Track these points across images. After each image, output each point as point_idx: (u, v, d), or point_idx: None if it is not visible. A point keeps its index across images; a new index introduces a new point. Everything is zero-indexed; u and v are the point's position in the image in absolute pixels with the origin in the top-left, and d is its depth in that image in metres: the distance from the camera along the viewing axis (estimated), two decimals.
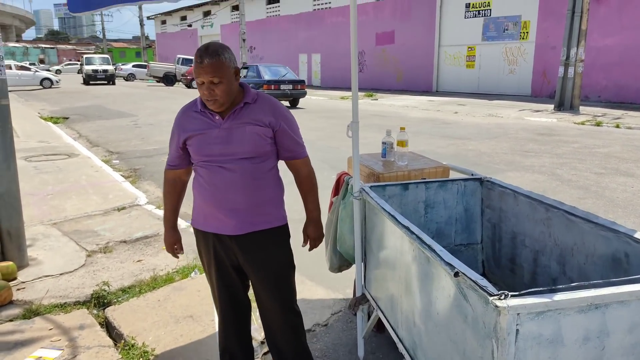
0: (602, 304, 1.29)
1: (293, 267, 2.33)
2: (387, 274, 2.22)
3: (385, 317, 2.31)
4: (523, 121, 13.55)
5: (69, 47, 77.61)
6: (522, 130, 11.56)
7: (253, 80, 18.72)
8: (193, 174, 2.27)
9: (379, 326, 2.98)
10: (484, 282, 1.35)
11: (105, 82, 33.84)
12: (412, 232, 1.80)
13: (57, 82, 30.46)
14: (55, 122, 13.83)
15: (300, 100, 19.26)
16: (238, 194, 2.11)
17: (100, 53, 65.81)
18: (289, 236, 2.31)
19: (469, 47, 23.10)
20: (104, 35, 63.38)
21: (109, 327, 3.22)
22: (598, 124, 12.48)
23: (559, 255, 2.08)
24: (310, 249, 2.39)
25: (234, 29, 36.89)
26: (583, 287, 1.30)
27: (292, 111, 17.07)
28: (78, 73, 38.77)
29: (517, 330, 1.25)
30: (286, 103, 18.45)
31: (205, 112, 2.13)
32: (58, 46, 74.28)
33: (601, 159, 8.07)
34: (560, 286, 1.29)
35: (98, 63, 34.54)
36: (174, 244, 2.43)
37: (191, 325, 3.16)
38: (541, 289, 1.28)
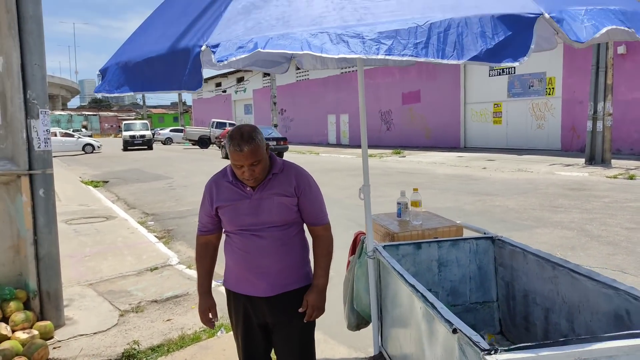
0: (590, 359, 1.36)
1: (314, 323, 2.40)
2: (401, 331, 2.29)
3: None
4: (553, 176, 13.44)
5: (111, 113, 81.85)
6: (552, 186, 11.46)
7: None
8: (224, 237, 2.39)
9: None
10: (477, 338, 1.44)
11: (143, 147, 34.16)
12: (418, 291, 1.90)
13: (98, 147, 32.08)
14: (95, 186, 14.50)
15: (329, 159, 19.88)
16: (269, 259, 2.24)
17: (140, 119, 69.13)
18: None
19: (495, 104, 23.35)
20: (144, 102, 66.78)
21: None
22: (631, 177, 12.27)
23: (567, 313, 2.13)
24: (306, 319, 2.31)
25: (266, 93, 38.44)
26: (571, 342, 1.38)
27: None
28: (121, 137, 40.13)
29: None
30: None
31: (237, 184, 2.26)
32: (100, 113, 78.43)
33: (633, 213, 7.92)
34: (548, 341, 1.37)
35: (137, 129, 35.27)
36: (208, 310, 2.43)
37: None
38: (531, 344, 1.36)
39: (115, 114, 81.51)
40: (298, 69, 37.28)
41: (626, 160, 15.76)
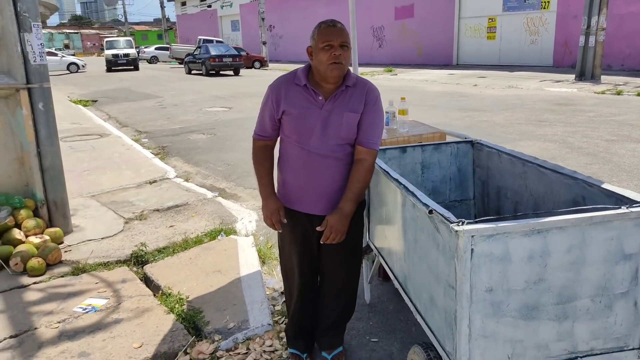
0: (543, 229, 1.61)
1: (361, 240, 2.49)
2: (387, 226, 2.56)
3: (385, 262, 2.66)
4: (542, 92, 13.55)
5: (92, 31, 78.74)
6: (539, 101, 11.62)
7: (204, 56, 24.99)
8: (279, 146, 2.33)
9: (385, 276, 3.35)
10: (448, 214, 1.68)
11: (129, 67, 30.72)
12: (400, 183, 2.13)
13: (83, 66, 31.29)
14: (84, 105, 14.43)
15: None
16: (331, 179, 2.20)
17: (122, 36, 66.60)
18: (362, 213, 2.48)
19: (489, 19, 22.84)
20: (125, 18, 64.14)
21: (147, 281, 3.66)
22: (618, 93, 12.43)
23: (534, 204, 2.39)
24: (322, 240, 2.18)
25: (253, 8, 36.99)
26: (527, 216, 1.63)
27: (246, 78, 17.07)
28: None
29: (472, 249, 1.59)
30: (230, 72, 25.28)
31: (309, 90, 2.15)
32: (82, 31, 75.45)
33: (614, 127, 8.18)
34: (507, 215, 1.61)
35: (120, 47, 31.63)
36: (277, 211, 2.28)
37: (219, 277, 3.57)
38: (492, 217, 1.61)
39: (97, 31, 78.45)
40: None
41: (616, 76, 15.83)
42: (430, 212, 1.79)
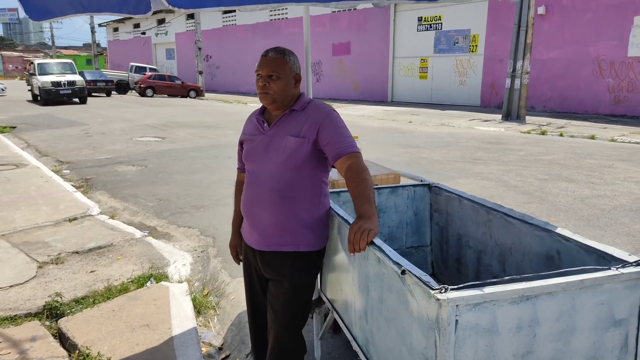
0: (532, 295, 1.42)
1: (311, 288, 2.22)
2: (342, 276, 2.31)
3: (340, 317, 2.39)
4: (473, 130, 14.06)
5: (15, 53, 74.55)
6: (472, 139, 12.00)
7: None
8: None
9: (335, 327, 3.07)
10: (427, 278, 1.46)
11: (73, 99, 22.97)
12: None
13: (2, 89, 29.27)
14: (1, 132, 13.29)
15: None
16: (263, 210, 2.08)
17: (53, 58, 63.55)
18: (316, 267, 2.23)
19: (422, 59, 23.78)
20: (52, 41, 61.31)
21: (62, 338, 3.17)
22: (543, 133, 13.11)
23: (499, 255, 2.24)
24: (349, 249, 1.78)
25: (190, 37, 36.54)
26: (516, 280, 1.43)
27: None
28: (27, 85, 27.45)
29: (457, 320, 1.36)
30: (103, 94, 28.07)
31: (259, 118, 2.17)
32: (3, 52, 71.25)
33: (545, 166, 8.50)
34: (495, 279, 1.41)
35: (59, 71, 23.56)
36: (232, 247, 2.46)
37: (147, 333, 3.14)
38: (478, 282, 1.40)
39: (21, 54, 74.39)
40: (225, 12, 35.65)
41: (539, 117, 16.79)
42: (403, 272, 1.56)
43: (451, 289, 1.38)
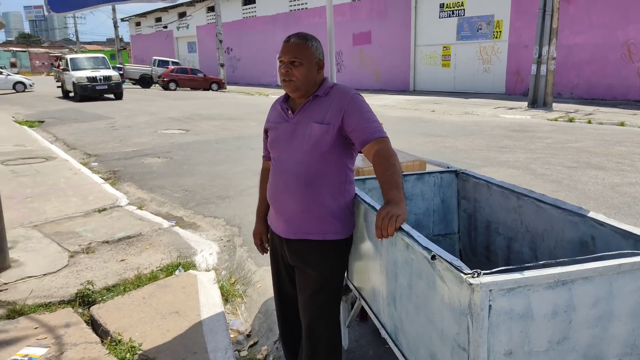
0: (568, 280, 1.39)
1: (339, 281, 2.20)
2: (369, 263, 2.30)
3: (368, 305, 2.39)
4: (498, 118, 13.84)
5: (42, 50, 76.06)
6: (497, 128, 11.81)
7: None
8: None
9: (362, 315, 3.08)
10: (458, 262, 1.44)
11: (108, 95, 22.30)
12: None
13: (30, 85, 29.90)
14: (30, 126, 13.61)
15: None
16: (289, 198, 2.07)
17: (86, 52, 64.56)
18: (345, 255, 2.21)
19: (444, 47, 23.45)
20: (77, 37, 62.27)
21: (94, 324, 3.24)
22: (570, 120, 12.83)
23: (530, 241, 2.20)
24: (377, 235, 1.76)
25: (211, 30, 36.73)
26: (550, 265, 1.41)
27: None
28: (56, 81, 26.46)
29: (490, 306, 1.34)
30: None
31: (283, 106, 2.14)
32: (30, 49, 72.75)
33: (573, 154, 8.32)
34: (529, 264, 1.39)
35: (92, 66, 22.38)
36: (259, 234, 2.40)
37: (177, 320, 3.20)
38: (511, 267, 1.38)
39: (47, 50, 75.86)
40: (245, 3, 35.69)
41: (566, 104, 16.43)
42: (433, 257, 1.55)
43: (484, 274, 1.36)
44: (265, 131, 2.23)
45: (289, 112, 2.10)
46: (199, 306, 3.37)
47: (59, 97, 23.73)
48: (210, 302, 3.44)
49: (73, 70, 21.98)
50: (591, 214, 1.86)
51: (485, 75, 21.93)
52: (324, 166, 2.03)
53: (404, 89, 25.28)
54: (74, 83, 21.43)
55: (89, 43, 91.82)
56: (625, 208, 5.38)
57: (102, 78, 21.62)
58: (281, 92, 2.13)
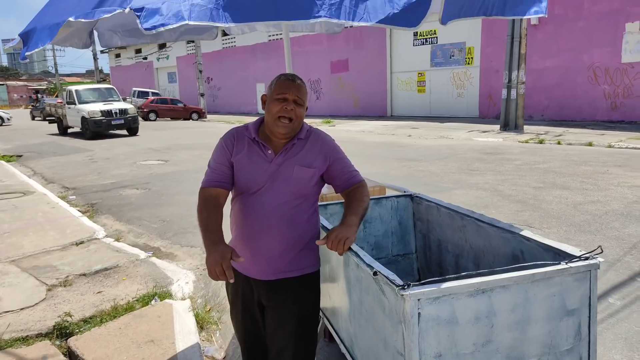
0: (487, 289, 1.59)
1: (316, 312, 2.18)
2: (330, 285, 2.47)
3: (330, 323, 2.55)
4: (471, 142, 14.25)
5: (20, 82, 75.76)
6: (469, 151, 12.18)
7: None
8: (231, 207, 2.17)
9: (331, 336, 3.22)
10: (393, 276, 1.63)
11: (120, 130, 19.92)
12: None
13: (8, 119, 29.77)
14: (8, 161, 13.58)
15: None
16: (272, 238, 2.03)
17: (53, 88, 64.25)
18: (319, 283, 2.21)
19: (419, 73, 24.10)
20: (56, 69, 62.25)
21: (72, 356, 3.32)
22: (541, 142, 13.27)
23: (474, 257, 2.40)
24: (329, 246, 1.87)
25: (190, 60, 37.13)
26: (471, 275, 1.60)
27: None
28: (45, 117, 25.85)
29: (419, 313, 1.53)
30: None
31: (258, 143, 2.06)
32: (8, 82, 72.41)
33: (540, 174, 8.65)
34: (452, 276, 1.58)
35: (100, 98, 20.08)
36: (225, 254, 1.86)
37: (152, 349, 3.30)
38: (437, 278, 1.57)
39: (25, 83, 75.55)
40: (224, 35, 36.22)
41: (537, 126, 16.96)
42: (375, 273, 1.73)
43: (413, 285, 1.55)
44: (231, 164, 2.07)
45: (269, 151, 2.04)
46: (174, 334, 3.48)
47: (53, 134, 21.74)
48: (185, 330, 3.55)
49: (81, 103, 19.44)
50: (519, 231, 2.07)
51: (459, 99, 22.55)
52: (304, 205, 2.08)
53: (381, 114, 25.80)
54: (84, 118, 18.84)
55: (69, 75, 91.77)
56: (585, 225, 5.64)
57: (117, 112, 19.02)
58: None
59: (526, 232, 2.04)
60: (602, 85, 17.64)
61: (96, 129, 18.78)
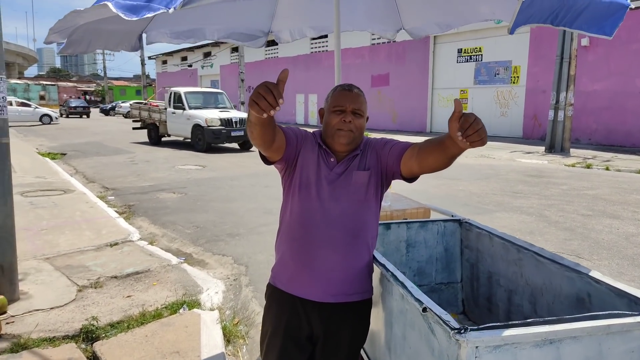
0: (556, 339, 1.39)
1: (364, 339, 2.04)
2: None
3: (365, 352, 2.37)
4: (514, 162, 13.78)
5: (70, 84, 78.72)
6: (512, 172, 11.76)
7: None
8: (280, 215, 2.02)
9: None
10: (447, 317, 1.45)
11: (234, 143, 16.87)
12: (388, 270, 1.90)
13: (56, 118, 30.90)
14: (52, 158, 13.98)
15: None
16: (335, 253, 1.87)
17: (101, 91, 66.41)
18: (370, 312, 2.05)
19: (461, 90, 23.66)
20: (104, 72, 64.49)
21: None
22: (588, 166, 12.71)
23: (530, 295, 2.18)
24: (467, 136, 1.49)
25: (233, 69, 37.72)
26: (538, 323, 1.40)
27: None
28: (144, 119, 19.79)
29: None
30: (84, 116, 34.62)
31: (322, 147, 1.95)
32: (59, 83, 75.33)
33: (589, 201, 8.22)
34: (516, 322, 1.38)
35: (212, 104, 17.56)
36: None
37: None
38: (499, 324, 1.38)
39: (75, 84, 78.50)
40: (268, 45, 36.67)
41: (584, 150, 16.31)
42: (425, 310, 1.55)
43: (471, 330, 1.36)
44: (296, 148, 1.93)
45: (332, 159, 1.94)
46: (200, 347, 3.36)
47: (139, 142, 18.60)
48: (211, 343, 3.43)
49: (191, 108, 16.62)
50: (587, 271, 1.85)
51: (502, 119, 21.99)
52: (366, 216, 1.93)
53: (420, 129, 25.43)
54: (197, 126, 16.04)
55: (116, 79, 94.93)
56: (638, 259, 5.26)
57: (237, 121, 15.91)
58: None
59: (595, 273, 1.82)
60: None
61: (213, 140, 15.85)
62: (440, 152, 1.73)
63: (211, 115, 15.87)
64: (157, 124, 18.32)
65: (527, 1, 1.61)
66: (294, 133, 1.97)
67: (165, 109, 17.78)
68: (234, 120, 15.95)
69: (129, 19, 1.50)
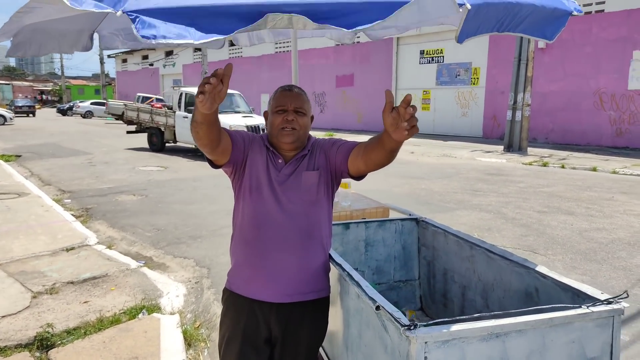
0: (502, 333, 1.44)
1: (322, 339, 2.06)
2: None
3: (325, 352, 2.39)
4: (474, 161, 14.11)
5: (26, 83, 75.92)
6: (472, 170, 12.04)
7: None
8: (233, 220, 2.02)
9: None
10: (398, 314, 1.48)
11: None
12: (344, 270, 1.92)
13: (10, 119, 29.74)
14: (6, 161, 13.45)
15: None
16: (289, 254, 1.88)
17: (59, 90, 64.24)
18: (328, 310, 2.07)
19: (424, 91, 24.06)
20: (62, 71, 62.52)
21: None
22: (544, 165, 13.14)
23: (482, 290, 2.24)
24: (404, 126, 1.69)
25: (196, 68, 37.20)
26: (485, 317, 1.45)
27: None
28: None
29: (426, 357, 1.37)
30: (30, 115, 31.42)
31: (269, 150, 1.97)
32: (14, 82, 72.55)
33: (545, 198, 8.50)
34: (464, 317, 1.43)
35: (232, 108, 15.14)
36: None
37: None
38: (447, 319, 1.42)
39: (31, 83, 75.77)
40: (232, 45, 36.34)
41: (541, 149, 16.83)
42: (378, 308, 1.58)
43: (421, 326, 1.39)
44: (244, 151, 1.94)
45: (279, 160, 1.95)
46: (159, 352, 3.31)
47: (140, 149, 16.41)
48: (171, 348, 3.38)
49: (230, 113, 14.59)
50: (534, 266, 1.92)
51: (463, 119, 22.47)
52: (319, 216, 1.95)
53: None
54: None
55: (74, 78, 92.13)
56: (591, 254, 5.48)
57: (258, 127, 13.90)
58: None
59: (542, 268, 1.89)
60: (607, 111, 17.55)
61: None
62: (380, 148, 1.82)
63: (236, 122, 13.41)
64: (162, 128, 16.09)
65: (472, 10, 1.65)
66: (241, 136, 1.98)
67: (174, 112, 15.37)
68: (260, 128, 13.82)
69: (72, 6, 1.46)
